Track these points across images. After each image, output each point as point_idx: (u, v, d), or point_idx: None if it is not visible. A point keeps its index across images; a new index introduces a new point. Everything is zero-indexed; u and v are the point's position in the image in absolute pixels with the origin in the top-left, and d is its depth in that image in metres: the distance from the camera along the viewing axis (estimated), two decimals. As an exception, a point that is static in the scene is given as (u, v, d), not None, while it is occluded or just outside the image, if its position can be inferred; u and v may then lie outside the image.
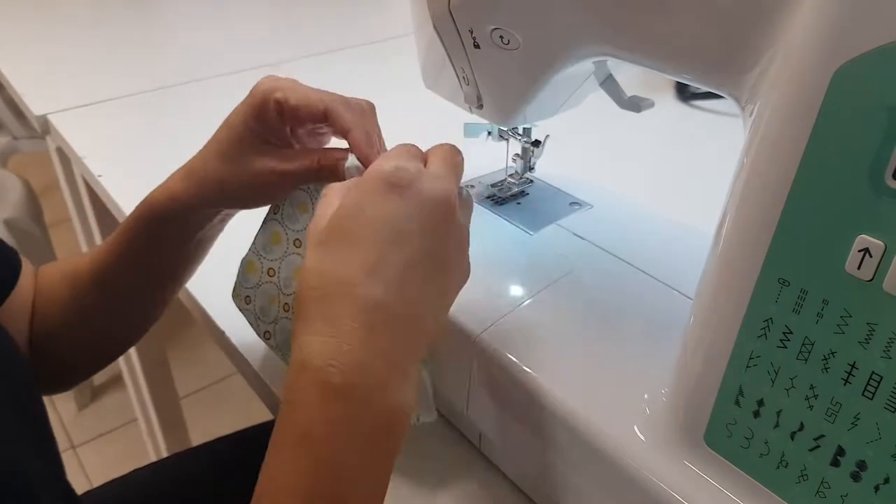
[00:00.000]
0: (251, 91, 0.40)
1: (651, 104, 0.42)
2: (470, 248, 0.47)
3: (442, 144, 0.36)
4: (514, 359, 0.38)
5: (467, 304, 0.41)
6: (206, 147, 0.43)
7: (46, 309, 0.48)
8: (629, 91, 0.43)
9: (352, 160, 0.39)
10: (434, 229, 0.31)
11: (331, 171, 0.39)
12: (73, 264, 0.48)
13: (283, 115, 0.39)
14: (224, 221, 0.47)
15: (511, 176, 0.54)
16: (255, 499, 0.28)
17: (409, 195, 0.31)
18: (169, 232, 0.45)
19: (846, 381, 0.26)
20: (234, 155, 0.41)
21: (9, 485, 0.33)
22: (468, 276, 0.35)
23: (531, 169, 0.53)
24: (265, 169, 0.40)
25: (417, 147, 0.36)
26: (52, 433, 0.41)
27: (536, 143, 0.52)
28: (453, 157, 0.35)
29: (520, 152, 0.53)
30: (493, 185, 0.54)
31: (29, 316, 0.47)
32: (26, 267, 0.48)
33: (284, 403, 0.29)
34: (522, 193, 0.53)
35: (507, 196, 0.53)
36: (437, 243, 0.32)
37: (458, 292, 0.35)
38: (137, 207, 0.45)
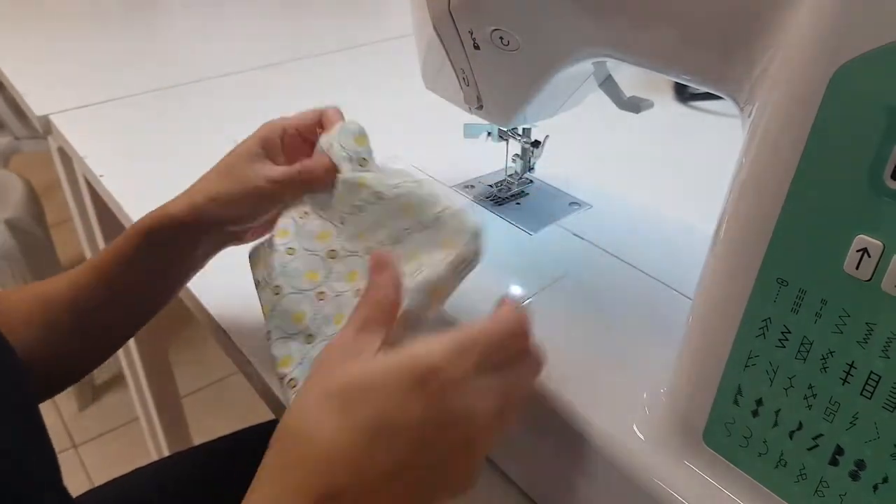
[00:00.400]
0: (258, 130, 0.45)
1: (650, 105, 0.42)
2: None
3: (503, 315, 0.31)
4: (513, 358, 0.38)
5: (467, 304, 0.41)
6: (206, 173, 0.45)
7: (14, 330, 0.45)
8: (628, 91, 0.43)
9: (324, 138, 0.43)
10: (448, 449, 0.29)
11: (310, 177, 0.43)
12: (47, 286, 0.47)
13: (285, 137, 0.45)
14: (208, 256, 0.48)
15: (511, 176, 0.54)
16: None
17: (431, 405, 0.28)
18: (158, 254, 0.45)
19: (845, 380, 0.26)
20: (232, 169, 0.44)
21: (8, 485, 0.33)
22: (474, 483, 0.31)
23: (531, 169, 0.53)
24: (258, 176, 0.43)
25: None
26: (50, 439, 0.40)
27: (536, 144, 0.52)
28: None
29: (519, 152, 0.53)
30: (492, 185, 0.54)
31: None
32: None
33: None
34: (522, 193, 0.53)
35: (507, 196, 0.53)
36: (443, 462, 0.29)
37: (454, 496, 0.31)
38: (128, 230, 0.45)
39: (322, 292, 0.41)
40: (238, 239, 0.49)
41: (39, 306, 0.46)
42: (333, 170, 0.42)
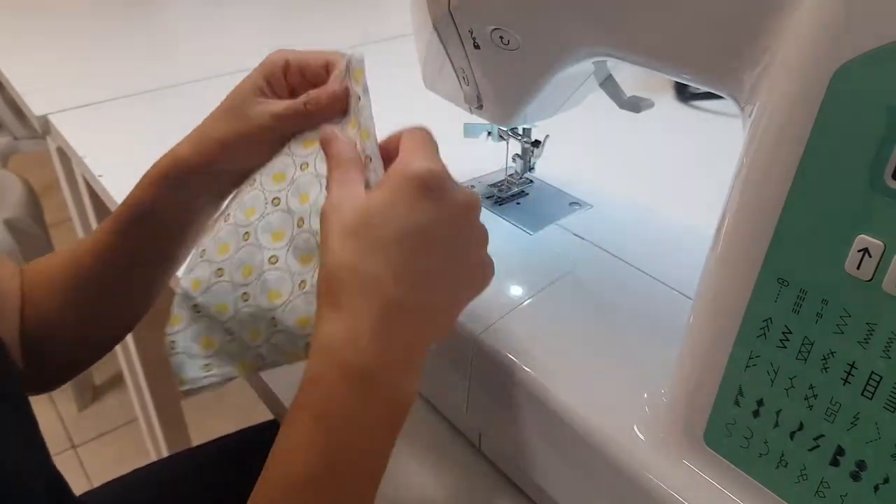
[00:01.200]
0: (263, 61, 0.44)
1: (651, 104, 0.42)
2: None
3: (413, 132, 0.35)
4: (514, 359, 0.38)
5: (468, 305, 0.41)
6: (212, 112, 0.45)
7: (43, 301, 0.47)
8: (629, 91, 0.43)
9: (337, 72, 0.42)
10: (460, 235, 0.33)
11: (317, 107, 0.41)
12: (71, 252, 0.48)
13: (288, 73, 0.43)
14: (222, 196, 0.47)
15: (511, 176, 0.54)
16: (267, 463, 0.30)
17: (441, 203, 0.32)
18: (172, 197, 0.45)
19: (845, 380, 0.26)
20: (237, 108, 0.43)
21: None
22: (492, 272, 0.35)
23: (531, 169, 0.53)
24: (263, 113, 0.42)
25: (433, 138, 0.36)
26: (38, 427, 0.41)
27: (536, 144, 0.52)
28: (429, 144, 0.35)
29: (520, 152, 0.53)
30: (492, 185, 0.54)
31: (16, 316, 0.47)
32: (4, 270, 0.47)
33: (306, 380, 0.31)
34: (522, 193, 0.53)
35: (507, 196, 0.53)
36: (462, 247, 0.33)
37: (482, 288, 0.35)
38: (142, 180, 0.45)
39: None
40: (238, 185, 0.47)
41: (66, 273, 0.47)
42: (342, 98, 0.42)
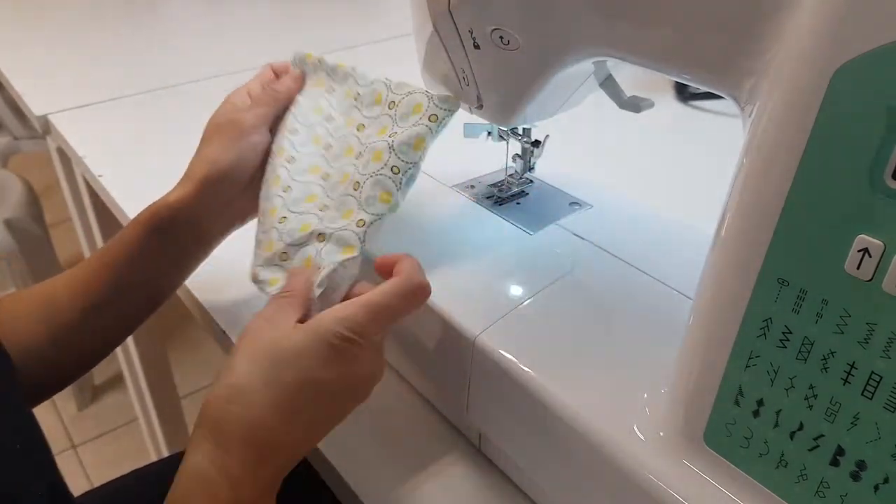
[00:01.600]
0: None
1: (651, 104, 0.42)
2: (470, 246, 0.47)
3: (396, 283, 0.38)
4: (513, 359, 0.38)
5: (467, 304, 0.41)
6: (201, 151, 0.47)
7: (19, 334, 0.46)
8: (629, 91, 0.43)
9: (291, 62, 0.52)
10: (353, 394, 0.37)
11: (280, 89, 0.48)
12: (53, 287, 0.47)
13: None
14: (215, 241, 0.48)
15: (511, 176, 0.54)
16: None
17: (345, 369, 0.35)
18: (166, 245, 0.46)
19: (845, 380, 0.26)
20: (217, 129, 0.47)
21: None
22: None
23: (531, 169, 0.53)
24: (244, 121, 0.46)
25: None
26: (42, 433, 0.41)
27: (536, 144, 0.52)
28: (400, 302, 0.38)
29: (520, 152, 0.53)
30: (492, 185, 0.54)
31: None
32: None
33: (170, 499, 0.33)
34: (522, 193, 0.53)
35: (507, 196, 0.53)
36: (350, 399, 0.37)
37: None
38: (133, 224, 0.45)
39: (327, 174, 0.47)
40: (241, 218, 0.49)
41: (46, 309, 0.46)
42: (300, 78, 0.50)
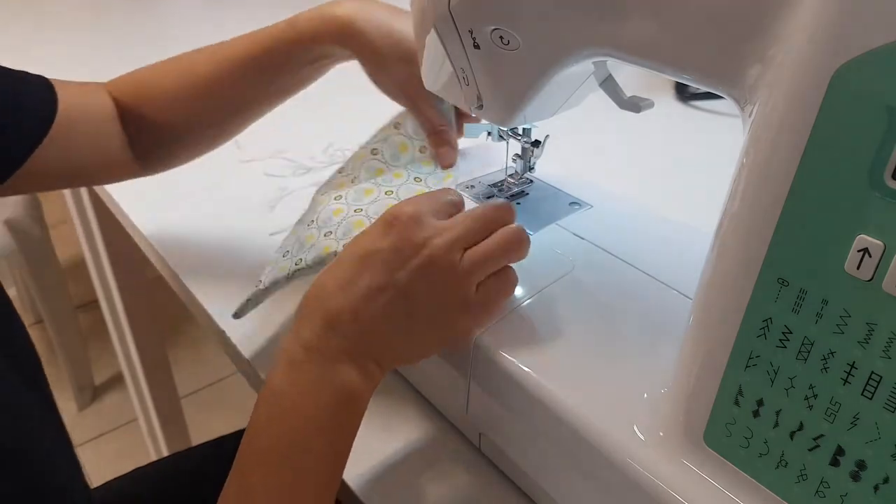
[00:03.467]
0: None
1: (651, 104, 0.42)
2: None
3: (505, 230, 0.39)
4: (513, 359, 0.38)
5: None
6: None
7: (148, 98, 0.56)
8: (628, 91, 0.43)
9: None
10: (412, 272, 0.36)
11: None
12: (187, 62, 0.57)
13: None
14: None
15: (511, 176, 0.54)
16: (242, 438, 0.35)
17: (392, 237, 0.37)
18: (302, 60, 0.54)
19: (845, 380, 0.26)
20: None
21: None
22: (463, 333, 0.39)
23: (531, 169, 0.53)
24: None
25: (453, 200, 0.40)
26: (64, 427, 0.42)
27: (536, 144, 0.52)
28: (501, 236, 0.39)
29: (520, 152, 0.53)
30: (492, 185, 0.54)
31: (112, 125, 0.55)
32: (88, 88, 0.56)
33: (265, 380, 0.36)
34: (522, 193, 0.53)
35: (507, 196, 0.53)
36: (412, 284, 0.36)
37: (440, 342, 0.39)
38: (279, 29, 0.54)
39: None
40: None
41: (185, 68, 0.56)
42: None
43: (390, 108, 0.53)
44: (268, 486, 0.34)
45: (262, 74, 0.54)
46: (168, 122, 0.56)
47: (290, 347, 0.36)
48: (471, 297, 0.37)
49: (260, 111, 0.58)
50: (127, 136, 0.55)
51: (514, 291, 0.40)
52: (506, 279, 0.39)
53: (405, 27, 0.50)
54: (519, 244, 0.39)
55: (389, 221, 0.37)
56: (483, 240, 0.38)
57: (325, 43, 0.51)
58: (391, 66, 0.51)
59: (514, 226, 0.39)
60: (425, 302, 0.37)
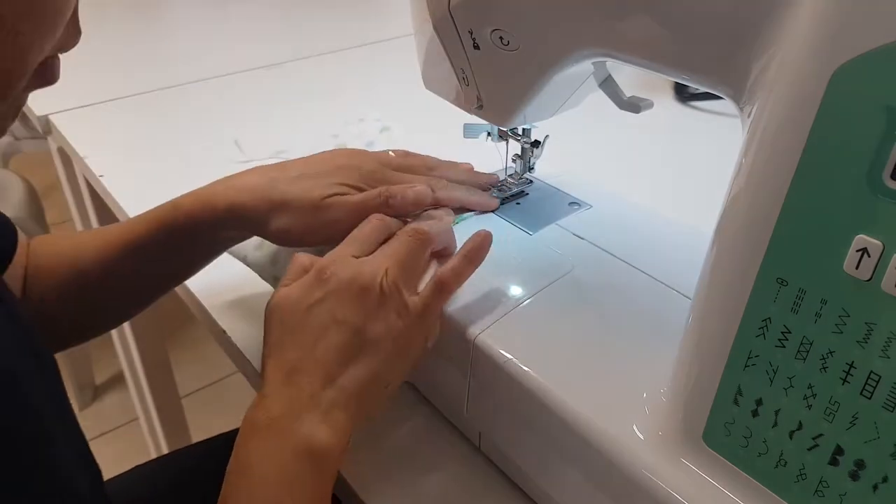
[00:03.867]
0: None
1: (650, 105, 0.42)
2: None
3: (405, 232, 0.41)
4: (513, 359, 0.38)
5: (467, 304, 0.41)
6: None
7: (41, 281, 0.49)
8: (628, 91, 0.43)
9: None
10: (339, 310, 0.37)
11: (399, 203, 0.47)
12: (73, 247, 0.49)
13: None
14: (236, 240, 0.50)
15: (511, 176, 0.54)
16: None
17: (321, 289, 0.38)
18: (196, 240, 0.47)
19: (844, 380, 0.26)
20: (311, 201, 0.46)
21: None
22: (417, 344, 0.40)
23: (531, 169, 0.53)
24: (343, 204, 0.45)
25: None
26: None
27: (536, 144, 0.52)
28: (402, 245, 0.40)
29: (520, 153, 0.53)
30: (493, 186, 0.54)
31: (20, 285, 0.49)
32: (20, 238, 0.49)
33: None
34: (522, 193, 0.53)
35: (507, 196, 0.53)
36: (345, 319, 0.37)
37: (384, 358, 0.38)
38: (164, 210, 0.46)
39: None
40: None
41: (67, 264, 0.49)
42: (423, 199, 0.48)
43: (391, 108, 0.53)
44: None
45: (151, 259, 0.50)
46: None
47: (252, 414, 0.36)
48: (410, 303, 0.39)
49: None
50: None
51: (448, 288, 0.40)
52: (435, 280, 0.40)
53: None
54: (421, 240, 0.41)
55: (312, 273, 0.38)
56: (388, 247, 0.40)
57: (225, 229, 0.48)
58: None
59: (411, 226, 0.41)
60: (359, 331, 0.37)
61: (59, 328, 0.51)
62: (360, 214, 0.43)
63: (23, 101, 0.35)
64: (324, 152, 0.48)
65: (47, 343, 0.51)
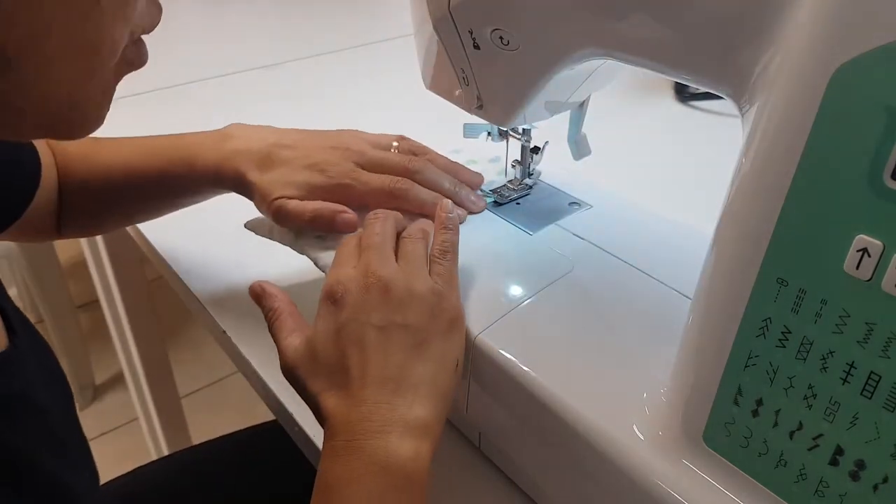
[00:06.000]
0: None
1: (588, 152, 0.48)
2: (470, 246, 0.47)
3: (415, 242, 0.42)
4: (513, 359, 0.38)
5: (467, 304, 0.41)
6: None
7: (74, 167, 0.54)
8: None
9: None
10: (364, 328, 0.37)
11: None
12: (102, 165, 0.54)
13: None
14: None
15: (510, 181, 0.54)
16: None
17: (341, 312, 0.37)
18: (197, 193, 0.54)
19: (845, 380, 0.26)
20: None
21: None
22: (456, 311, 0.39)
23: (530, 175, 0.53)
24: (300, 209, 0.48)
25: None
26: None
27: (536, 150, 0.52)
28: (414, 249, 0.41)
29: (519, 158, 0.53)
30: (492, 190, 0.54)
31: (55, 197, 0.54)
32: (45, 160, 0.53)
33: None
34: (522, 198, 0.53)
35: (507, 201, 0.53)
36: (373, 336, 0.37)
37: (444, 359, 0.38)
38: (179, 163, 0.51)
39: None
40: None
41: (101, 176, 0.54)
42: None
43: (391, 108, 0.53)
44: None
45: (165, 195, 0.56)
46: (102, 200, 0.56)
47: (330, 434, 0.35)
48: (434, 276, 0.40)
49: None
50: (59, 201, 0.55)
51: (454, 249, 0.42)
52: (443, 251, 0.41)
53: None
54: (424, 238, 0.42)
55: (327, 299, 0.38)
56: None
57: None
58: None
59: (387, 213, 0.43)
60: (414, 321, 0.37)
61: (80, 217, 0.57)
62: (305, 221, 0.46)
63: (114, 88, 0.36)
64: (329, 132, 0.51)
65: (68, 228, 0.57)
